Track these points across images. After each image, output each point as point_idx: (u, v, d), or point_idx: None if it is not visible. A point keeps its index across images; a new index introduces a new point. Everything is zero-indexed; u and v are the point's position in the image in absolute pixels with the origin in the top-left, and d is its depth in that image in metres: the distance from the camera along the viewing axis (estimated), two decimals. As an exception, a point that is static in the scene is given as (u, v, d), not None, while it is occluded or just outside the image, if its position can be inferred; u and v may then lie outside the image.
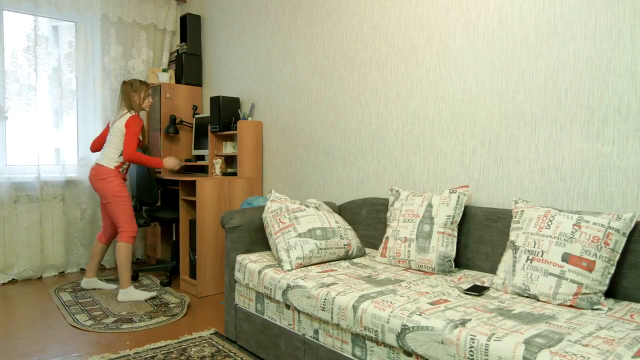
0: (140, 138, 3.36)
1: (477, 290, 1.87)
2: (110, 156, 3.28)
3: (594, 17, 1.97)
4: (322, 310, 1.90)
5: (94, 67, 4.22)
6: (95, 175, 3.27)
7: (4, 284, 3.78)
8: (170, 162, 3.44)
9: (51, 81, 4.06)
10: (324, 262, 2.42)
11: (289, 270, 2.24)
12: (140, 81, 3.38)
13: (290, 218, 2.45)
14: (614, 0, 1.92)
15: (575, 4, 2.03)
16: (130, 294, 3.26)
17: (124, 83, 3.35)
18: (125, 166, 3.35)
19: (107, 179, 3.23)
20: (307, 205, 2.57)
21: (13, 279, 3.87)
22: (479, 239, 2.28)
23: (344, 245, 2.49)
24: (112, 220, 3.44)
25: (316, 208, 2.58)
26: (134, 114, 3.30)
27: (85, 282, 3.53)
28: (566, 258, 1.75)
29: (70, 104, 4.15)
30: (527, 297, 1.81)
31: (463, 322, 1.52)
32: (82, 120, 4.22)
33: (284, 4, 3.55)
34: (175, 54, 4.61)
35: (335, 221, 2.53)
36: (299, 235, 2.37)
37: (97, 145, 3.52)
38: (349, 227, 2.60)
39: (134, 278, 3.83)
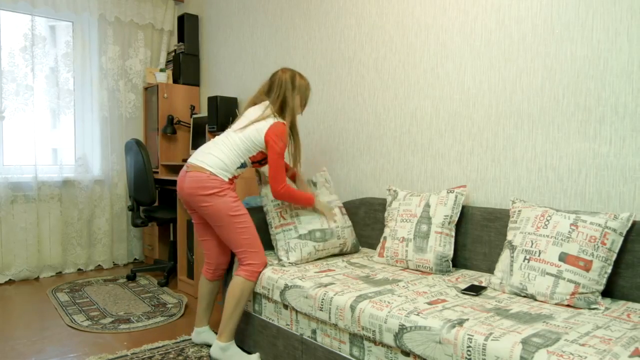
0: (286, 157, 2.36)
1: (475, 290, 1.87)
2: (227, 164, 2.24)
3: (591, 18, 1.98)
4: (320, 310, 1.90)
5: (92, 67, 4.21)
6: (209, 187, 2.20)
7: (1, 284, 3.77)
8: (324, 206, 2.50)
9: (48, 81, 4.05)
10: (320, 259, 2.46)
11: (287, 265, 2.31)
12: (301, 76, 2.39)
13: (292, 215, 2.45)
14: (610, 1, 1.92)
15: (572, 5, 2.03)
16: (229, 353, 2.26)
17: (283, 71, 2.36)
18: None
19: (219, 192, 2.20)
20: (314, 183, 2.66)
21: (10, 280, 3.85)
22: (477, 238, 2.28)
23: (339, 244, 2.54)
24: (220, 248, 2.44)
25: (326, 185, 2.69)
26: (279, 120, 2.28)
27: (195, 334, 2.51)
28: (563, 258, 1.75)
29: (67, 104, 4.14)
30: (524, 296, 1.82)
31: (460, 322, 1.52)
32: (80, 120, 4.20)
33: (282, 4, 3.55)
34: (173, 53, 4.60)
35: (334, 220, 2.55)
36: (300, 237, 2.40)
37: None
38: (348, 224, 2.63)
39: (132, 278, 3.83)
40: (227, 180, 2.23)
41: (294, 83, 2.34)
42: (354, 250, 2.64)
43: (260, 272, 2.26)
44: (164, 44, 4.65)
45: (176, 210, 3.84)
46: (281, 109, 2.34)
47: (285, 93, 2.31)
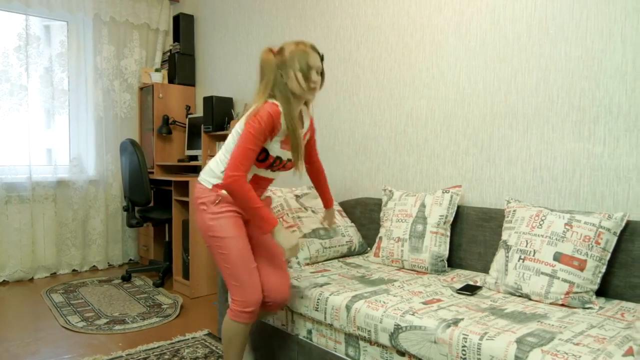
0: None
1: (470, 289, 1.87)
2: (212, 167, 1.90)
3: (585, 19, 1.99)
4: (316, 310, 1.90)
5: (86, 66, 4.19)
6: (194, 197, 1.95)
7: (-5, 285, 3.76)
8: (287, 242, 1.80)
9: (43, 81, 4.03)
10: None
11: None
12: (299, 44, 1.82)
13: (294, 217, 2.47)
14: (604, 2, 1.93)
15: (566, 6, 2.04)
16: None
17: (265, 51, 1.87)
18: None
19: (199, 205, 1.87)
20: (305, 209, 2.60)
21: (4, 281, 3.83)
22: (472, 238, 2.29)
23: (346, 242, 2.54)
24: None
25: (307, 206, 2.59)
26: (270, 101, 1.80)
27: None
28: (558, 257, 1.76)
29: (62, 104, 4.13)
30: (519, 296, 1.82)
31: (456, 322, 1.52)
32: (74, 120, 4.19)
33: (277, 3, 3.55)
34: (168, 53, 4.59)
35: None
36: (305, 237, 2.40)
37: None
38: (350, 224, 2.65)
39: (127, 279, 3.81)
40: (210, 187, 1.86)
41: (282, 57, 1.82)
42: (362, 250, 2.64)
43: (248, 312, 1.80)
44: (159, 43, 4.64)
45: (171, 210, 3.83)
46: (271, 91, 1.84)
47: (269, 74, 1.83)
